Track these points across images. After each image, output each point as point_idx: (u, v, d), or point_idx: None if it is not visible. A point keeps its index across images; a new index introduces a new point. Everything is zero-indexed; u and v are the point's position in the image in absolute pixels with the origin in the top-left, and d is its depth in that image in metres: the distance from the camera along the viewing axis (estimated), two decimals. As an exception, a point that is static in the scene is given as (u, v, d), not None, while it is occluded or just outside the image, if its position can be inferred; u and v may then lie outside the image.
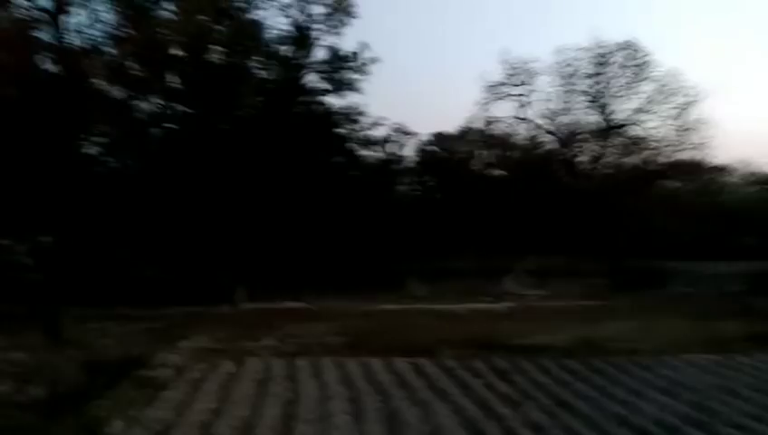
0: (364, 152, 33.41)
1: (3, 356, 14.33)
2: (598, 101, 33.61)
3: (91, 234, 22.78)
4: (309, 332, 17.32)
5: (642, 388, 11.03)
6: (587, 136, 35.39)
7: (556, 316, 20.35)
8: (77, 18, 15.70)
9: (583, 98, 34.13)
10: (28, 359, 14.26)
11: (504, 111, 37.78)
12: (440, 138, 44.58)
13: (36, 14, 15.07)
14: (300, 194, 24.95)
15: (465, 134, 44.01)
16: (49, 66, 16.34)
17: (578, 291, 28.36)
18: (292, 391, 11.18)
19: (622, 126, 33.76)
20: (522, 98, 34.15)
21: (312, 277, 30.54)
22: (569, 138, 35.34)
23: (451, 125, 48.21)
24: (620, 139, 34.40)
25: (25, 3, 15.14)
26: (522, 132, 38.36)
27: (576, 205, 35.12)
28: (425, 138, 42.70)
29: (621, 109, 33.70)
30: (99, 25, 15.79)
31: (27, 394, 12.67)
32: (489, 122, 38.47)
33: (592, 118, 34.75)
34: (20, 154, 16.73)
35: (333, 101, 28.01)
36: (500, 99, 34.32)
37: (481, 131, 42.18)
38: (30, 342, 15.94)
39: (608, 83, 33.17)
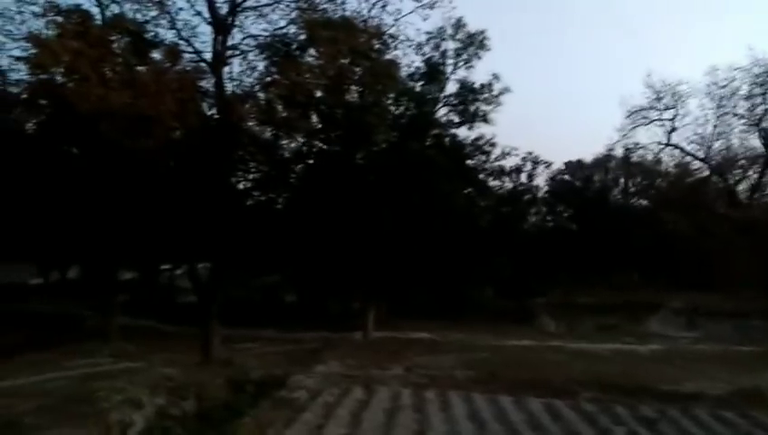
0: (495, 183, 33.02)
1: (160, 372, 16.03)
2: (758, 124, 30.25)
3: (240, 261, 24.81)
4: (436, 363, 17.31)
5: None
6: (745, 162, 31.91)
7: (710, 362, 18.39)
8: (234, 68, 17.47)
9: (741, 121, 30.92)
10: (181, 375, 15.79)
11: (648, 137, 35.36)
12: (575, 166, 42.79)
13: (200, 65, 17.09)
14: (429, 225, 25.20)
15: (604, 162, 41.86)
16: (209, 112, 18.34)
17: (735, 334, 25.39)
18: (420, 423, 11.21)
19: (788, 151, 30.03)
20: (669, 123, 31.70)
21: (438, 307, 30.58)
22: (724, 165, 32.08)
23: (587, 153, 46.25)
24: (786, 165, 30.58)
25: (191, 56, 17.15)
26: (668, 160, 35.56)
27: (733, 237, 31.64)
28: (558, 167, 41.33)
29: (786, 132, 30.02)
30: (251, 73, 17.39)
31: (180, 407, 14.02)
32: (631, 149, 36.17)
33: (751, 143, 31.35)
34: (182, 189, 18.73)
35: (465, 132, 28.23)
36: (644, 124, 32.13)
37: (622, 159, 39.86)
38: (183, 358, 17.69)
39: (770, 105, 29.79)
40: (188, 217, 18.89)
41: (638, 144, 34.26)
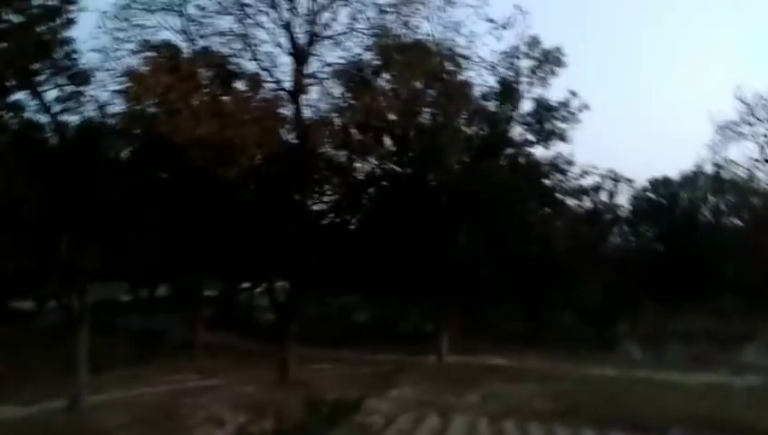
0: (573, 202, 31.87)
1: (240, 389, 16.56)
2: None
3: (316, 281, 25.31)
4: (513, 392, 16.78)
5: None
6: None
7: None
8: (311, 95, 18.08)
9: None
10: (260, 393, 16.23)
11: (740, 152, 33.09)
12: (660, 184, 40.73)
13: (280, 94, 17.83)
14: (504, 247, 24.68)
15: (692, 180, 39.60)
16: (287, 137, 19.05)
17: None
18: (499, 455, 10.87)
19: None
20: (763, 138, 29.59)
21: (514, 331, 29.70)
22: (828, 181, 29.56)
23: (672, 170, 43.83)
24: None
25: (272, 85, 17.93)
26: (764, 177, 33.14)
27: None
28: (642, 184, 39.44)
29: None
30: (327, 99, 17.94)
31: (259, 426, 14.38)
32: (722, 166, 33.96)
33: None
34: (261, 211, 19.44)
35: (541, 152, 27.52)
36: (735, 139, 30.16)
37: (712, 176, 37.52)
38: (262, 377, 18.16)
39: None
40: (267, 237, 19.59)
41: (729, 160, 32.10)
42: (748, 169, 32.49)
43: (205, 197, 18.30)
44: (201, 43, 17.59)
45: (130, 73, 15.75)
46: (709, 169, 35.75)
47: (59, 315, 27.47)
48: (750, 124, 29.54)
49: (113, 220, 20.35)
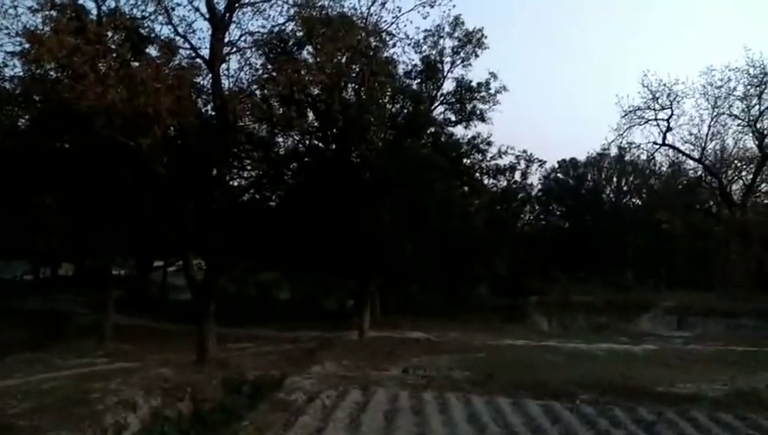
0: (490, 181, 33.00)
1: (155, 372, 15.85)
2: (753, 125, 30.46)
3: (235, 258, 24.63)
4: (433, 364, 17.25)
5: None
6: (739, 163, 32.21)
7: (704, 362, 18.44)
8: (231, 64, 17.26)
9: (736, 122, 31.18)
10: (176, 375, 15.61)
11: (643, 136, 35.65)
12: (568, 165, 42.99)
13: (197, 62, 16.89)
14: (425, 224, 25.11)
15: (598, 161, 42.08)
16: (205, 109, 18.20)
17: (727, 333, 25.59)
18: (419, 425, 11.12)
19: (782, 153, 30.23)
20: (664, 122, 31.88)
21: (433, 306, 30.46)
22: (718, 165, 32.33)
23: (582, 153, 46.32)
24: (780, 167, 30.82)
25: (188, 52, 16.95)
26: (663, 159, 35.84)
27: (726, 237, 31.87)
28: (553, 165, 41.47)
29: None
30: (248, 70, 17.22)
31: (175, 409, 13.85)
32: (625, 149, 36.32)
33: (746, 143, 31.66)
34: (177, 186, 18.51)
35: (462, 131, 28.20)
36: (639, 124, 32.29)
37: (616, 158, 40.06)
38: (178, 358, 17.49)
39: (765, 106, 29.96)
40: (183, 214, 18.74)
41: (632, 143, 34.41)
42: (649, 153, 34.90)
43: (114, 169, 17.15)
44: (110, 3, 16.42)
45: (30, 33, 14.32)
46: (614, 151, 38.12)
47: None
48: (653, 110, 31.66)
49: (10, 194, 18.79)
